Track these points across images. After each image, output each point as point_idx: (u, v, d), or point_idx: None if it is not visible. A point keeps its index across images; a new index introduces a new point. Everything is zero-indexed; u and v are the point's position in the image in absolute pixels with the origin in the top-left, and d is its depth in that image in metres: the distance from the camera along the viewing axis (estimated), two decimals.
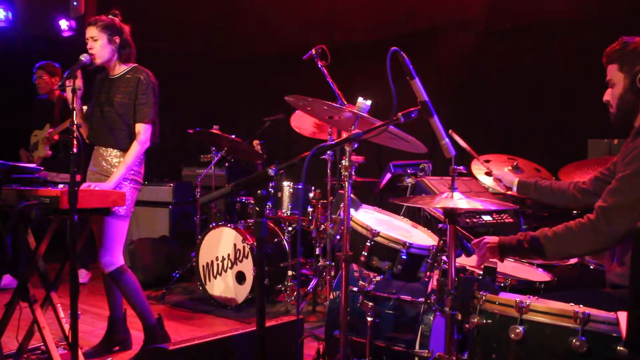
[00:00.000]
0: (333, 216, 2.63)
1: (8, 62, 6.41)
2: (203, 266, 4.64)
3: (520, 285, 2.51)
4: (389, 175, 3.94)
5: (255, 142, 5.05)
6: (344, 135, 3.05)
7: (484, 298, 1.90)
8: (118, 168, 3.17)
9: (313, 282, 4.40)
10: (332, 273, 3.92)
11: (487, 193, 3.42)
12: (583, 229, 2.12)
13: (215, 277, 4.59)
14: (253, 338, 2.63)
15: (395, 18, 5.77)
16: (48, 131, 4.83)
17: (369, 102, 2.64)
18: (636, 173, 2.08)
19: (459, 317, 2.03)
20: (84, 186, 3.01)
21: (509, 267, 2.73)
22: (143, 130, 3.21)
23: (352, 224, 2.47)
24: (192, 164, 6.35)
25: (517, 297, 1.83)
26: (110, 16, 3.27)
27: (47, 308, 3.09)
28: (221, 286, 4.55)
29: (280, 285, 4.64)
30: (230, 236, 4.52)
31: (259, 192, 1.86)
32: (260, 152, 5.03)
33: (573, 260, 2.86)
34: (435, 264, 2.45)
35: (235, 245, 4.49)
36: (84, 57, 3.00)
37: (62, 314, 3.06)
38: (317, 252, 4.52)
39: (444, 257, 2.41)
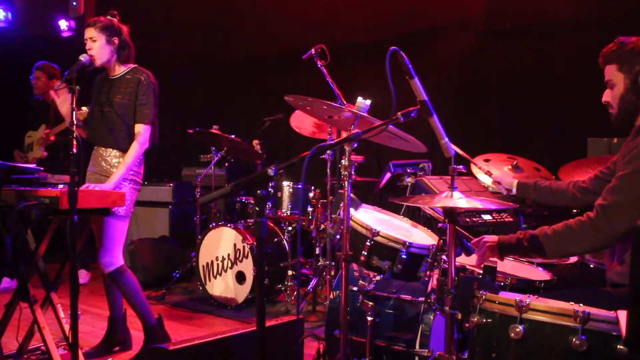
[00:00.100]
0: (333, 216, 2.62)
1: (8, 62, 6.41)
2: (203, 266, 4.64)
3: (520, 284, 2.51)
4: (388, 175, 3.94)
5: (255, 142, 5.05)
6: (344, 134, 3.05)
7: (483, 297, 1.89)
8: (118, 168, 3.17)
9: (313, 282, 4.40)
10: (332, 273, 3.92)
11: (487, 192, 3.42)
12: (583, 227, 2.12)
13: (215, 277, 4.59)
14: (253, 338, 2.63)
15: (395, 18, 5.77)
16: (44, 132, 4.82)
17: (368, 102, 2.65)
18: (636, 171, 2.08)
19: (459, 316, 2.03)
20: (83, 187, 3.01)
21: (509, 266, 2.73)
22: (143, 131, 3.21)
23: (352, 224, 2.47)
24: (192, 164, 6.35)
25: (517, 296, 1.83)
26: (108, 17, 3.27)
27: (47, 308, 3.09)
28: (221, 286, 4.55)
29: (280, 285, 4.64)
30: (230, 236, 4.52)
31: (258, 192, 1.86)
32: (260, 152, 5.03)
33: (573, 259, 2.86)
34: (435, 263, 2.45)
35: (235, 245, 4.49)
36: (83, 58, 3.00)
37: (62, 315, 3.06)
38: (317, 252, 4.52)
39: (443, 257, 2.41)
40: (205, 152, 5.54)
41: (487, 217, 3.40)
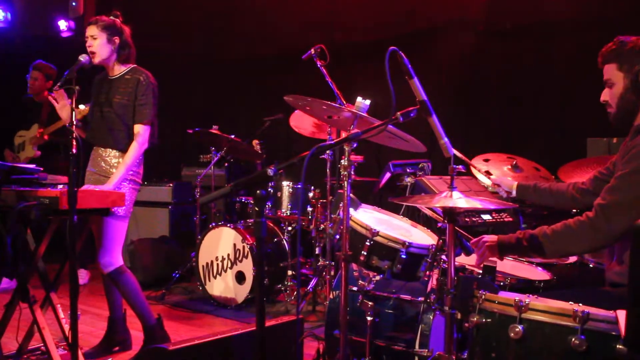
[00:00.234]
0: (332, 216, 2.63)
1: (7, 63, 6.41)
2: (203, 266, 4.64)
3: (519, 284, 2.51)
4: (388, 175, 3.94)
5: (255, 142, 5.05)
6: (343, 134, 3.05)
7: (483, 297, 1.89)
8: (117, 169, 3.18)
9: (313, 282, 4.40)
10: (332, 273, 3.92)
11: (487, 192, 3.42)
12: (582, 226, 2.12)
13: (215, 277, 4.59)
14: (253, 338, 2.63)
15: (395, 18, 5.77)
16: (38, 131, 4.79)
17: (368, 102, 2.65)
18: (635, 171, 2.08)
19: (459, 316, 2.03)
20: (83, 188, 3.01)
21: (509, 266, 2.73)
22: (142, 131, 3.21)
23: (352, 224, 2.47)
24: (192, 164, 6.35)
25: (517, 296, 1.83)
26: (111, 17, 3.28)
27: (47, 309, 3.09)
28: (221, 286, 4.55)
29: (280, 285, 4.64)
30: (230, 236, 4.52)
31: (258, 192, 1.86)
32: (259, 152, 5.03)
33: (572, 259, 2.86)
34: (435, 263, 2.45)
35: (235, 245, 4.49)
36: (82, 58, 3.00)
37: (61, 315, 3.06)
38: (316, 252, 4.52)
39: (443, 257, 2.41)
40: (205, 152, 5.54)
41: (486, 217, 3.40)
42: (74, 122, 2.68)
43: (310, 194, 4.54)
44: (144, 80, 3.23)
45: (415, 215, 3.31)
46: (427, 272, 2.47)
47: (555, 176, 3.49)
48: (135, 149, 3.19)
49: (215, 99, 7.17)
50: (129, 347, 3.48)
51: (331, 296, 2.87)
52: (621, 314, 1.63)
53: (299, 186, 4.64)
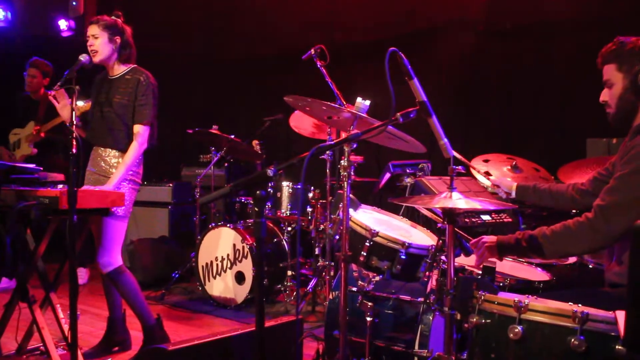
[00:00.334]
0: (332, 216, 2.62)
1: (7, 62, 6.41)
2: (202, 266, 4.64)
3: (519, 284, 2.52)
4: (388, 175, 3.94)
5: (255, 142, 5.05)
6: (343, 135, 3.05)
7: (482, 298, 1.90)
8: (117, 169, 3.18)
9: (312, 282, 4.40)
10: (332, 273, 3.92)
11: (486, 193, 3.42)
12: (581, 227, 2.12)
13: (214, 278, 4.59)
14: (252, 338, 2.63)
15: (395, 18, 5.77)
16: (34, 128, 4.78)
17: (367, 102, 2.64)
18: (634, 172, 2.07)
19: (458, 316, 2.03)
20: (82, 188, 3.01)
21: (508, 266, 2.73)
22: (141, 131, 3.21)
23: (351, 224, 2.47)
24: (192, 164, 6.35)
25: (516, 297, 1.83)
26: (112, 17, 3.28)
27: (47, 308, 3.09)
28: (220, 286, 4.55)
29: (279, 286, 4.64)
30: (229, 236, 4.52)
31: (257, 192, 1.86)
32: (259, 152, 5.03)
33: (572, 260, 2.86)
34: (435, 264, 2.45)
35: (234, 245, 4.49)
36: (83, 58, 3.00)
37: (61, 315, 3.06)
38: (316, 252, 4.52)
39: (443, 257, 2.41)
40: (204, 152, 5.54)
41: (486, 217, 3.40)
42: (74, 122, 2.68)
43: (310, 195, 4.54)
44: (144, 80, 3.23)
45: (414, 216, 3.31)
46: (427, 273, 2.47)
47: (555, 177, 3.49)
48: (135, 149, 3.19)
49: (215, 99, 7.16)
50: (129, 347, 3.48)
51: (331, 297, 2.87)
52: (620, 315, 1.63)
53: (299, 186, 4.64)
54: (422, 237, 2.70)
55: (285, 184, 4.65)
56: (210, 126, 4.84)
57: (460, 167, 2.20)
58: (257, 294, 1.97)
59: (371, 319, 2.55)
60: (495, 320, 1.85)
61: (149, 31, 4.81)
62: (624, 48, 2.21)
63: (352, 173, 2.46)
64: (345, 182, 2.33)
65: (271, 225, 4.74)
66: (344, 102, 3.59)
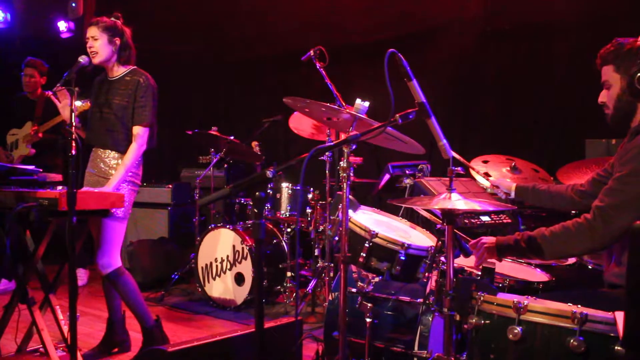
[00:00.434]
0: (331, 217, 2.63)
1: (7, 63, 6.41)
2: (202, 267, 4.64)
3: (518, 285, 2.52)
4: (387, 176, 3.94)
5: (254, 144, 5.05)
6: (342, 136, 3.05)
7: (482, 299, 1.90)
8: (117, 171, 3.18)
9: (312, 284, 4.40)
10: (331, 274, 3.92)
11: (485, 194, 3.42)
12: (580, 228, 2.12)
13: (214, 279, 4.59)
14: (252, 339, 2.63)
15: (395, 19, 5.77)
16: (32, 128, 4.77)
17: (367, 104, 2.65)
18: (633, 173, 2.07)
19: (458, 317, 2.03)
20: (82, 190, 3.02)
21: (507, 267, 2.74)
22: (141, 133, 3.21)
23: (351, 225, 2.47)
24: (191, 165, 6.35)
25: (515, 298, 1.83)
26: (112, 18, 3.28)
27: (46, 310, 3.09)
28: (220, 287, 4.55)
29: (279, 287, 4.64)
30: (229, 237, 4.52)
31: (257, 193, 1.86)
32: (258, 153, 5.03)
33: (571, 260, 2.86)
34: (434, 265, 2.45)
35: (234, 246, 4.49)
36: (82, 59, 3.00)
37: (60, 316, 3.06)
38: (315, 253, 4.52)
39: (442, 258, 2.41)
40: (204, 154, 5.54)
41: (485, 218, 3.40)
42: (74, 124, 2.68)
43: (310, 196, 4.54)
44: (144, 82, 3.24)
45: (414, 217, 3.31)
46: (426, 274, 2.48)
47: (554, 177, 3.49)
48: (134, 150, 3.19)
49: (215, 100, 7.17)
50: (128, 348, 3.48)
51: (330, 298, 2.87)
52: (619, 316, 1.63)
53: (298, 188, 4.64)
54: (421, 238, 2.71)
55: (284, 185, 4.65)
56: (209, 127, 4.85)
57: (459, 168, 2.20)
58: (256, 295, 1.97)
59: (371, 320, 2.55)
60: (495, 321, 1.85)
61: (149, 31, 4.81)
62: (622, 49, 2.20)
63: (351, 174, 2.46)
64: (345, 183, 2.33)
65: (270, 226, 4.74)
66: (343, 103, 3.60)
